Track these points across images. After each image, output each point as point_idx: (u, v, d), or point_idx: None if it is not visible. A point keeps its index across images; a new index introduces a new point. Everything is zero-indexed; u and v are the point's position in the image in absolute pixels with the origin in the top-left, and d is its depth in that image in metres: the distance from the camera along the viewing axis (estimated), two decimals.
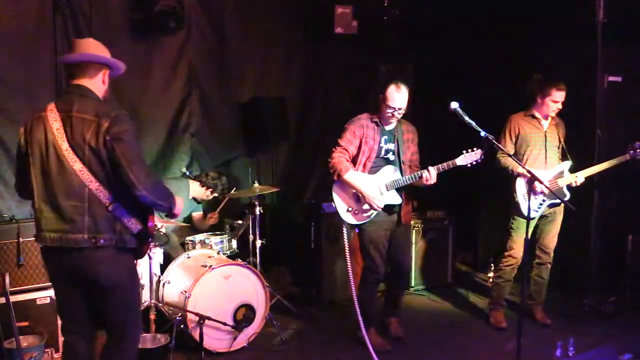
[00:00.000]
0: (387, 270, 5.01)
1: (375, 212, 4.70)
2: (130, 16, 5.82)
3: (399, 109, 4.62)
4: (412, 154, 4.89)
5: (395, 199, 4.75)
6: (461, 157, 4.51)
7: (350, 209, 4.78)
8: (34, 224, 3.32)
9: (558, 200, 4.92)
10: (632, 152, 4.90)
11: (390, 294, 5.25)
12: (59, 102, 3.28)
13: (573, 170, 5.05)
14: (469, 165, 4.54)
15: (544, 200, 5.05)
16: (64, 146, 3.15)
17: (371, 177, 4.73)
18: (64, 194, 3.18)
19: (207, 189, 5.75)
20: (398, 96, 4.59)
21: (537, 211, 5.06)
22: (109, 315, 3.36)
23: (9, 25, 5.31)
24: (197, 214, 5.93)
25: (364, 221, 4.76)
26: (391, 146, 4.79)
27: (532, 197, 4.87)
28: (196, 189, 5.73)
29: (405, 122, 4.88)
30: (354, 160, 4.76)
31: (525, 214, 4.77)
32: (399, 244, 4.95)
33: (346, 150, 4.74)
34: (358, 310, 4.75)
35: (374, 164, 4.75)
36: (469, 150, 4.50)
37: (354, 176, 4.69)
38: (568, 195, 5.02)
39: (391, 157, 4.81)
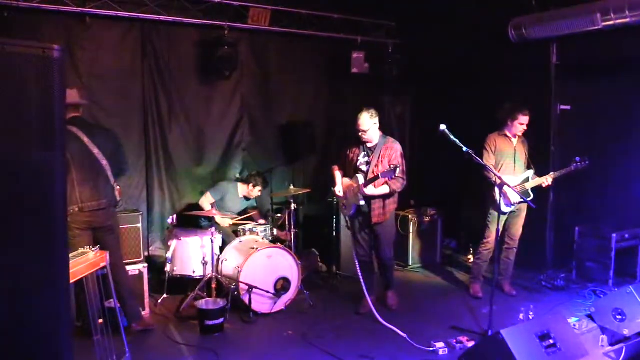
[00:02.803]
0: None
1: (351, 210, 4.74)
2: (198, 60, 5.93)
3: (362, 130, 4.61)
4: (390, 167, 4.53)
5: (360, 201, 4.63)
6: (384, 172, 4.41)
7: (342, 205, 4.90)
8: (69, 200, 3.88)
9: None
10: (574, 165, 4.87)
11: (380, 277, 5.08)
12: (79, 127, 3.98)
13: (538, 175, 5.04)
14: (389, 178, 4.44)
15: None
16: (95, 150, 4.00)
17: (347, 179, 4.81)
18: (97, 178, 4.03)
19: (246, 184, 5.64)
20: (358, 121, 4.61)
21: (511, 206, 5.05)
22: (110, 245, 4.06)
23: (110, 67, 5.46)
24: (254, 211, 5.91)
25: (348, 215, 4.84)
26: (367, 159, 4.69)
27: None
28: (242, 188, 5.69)
29: (389, 141, 4.70)
30: (346, 168, 4.86)
31: (503, 210, 4.90)
32: (378, 239, 4.80)
33: (339, 159, 4.98)
34: (360, 276, 4.82)
35: (355, 172, 4.73)
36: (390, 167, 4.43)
37: (337, 173, 4.91)
38: (532, 196, 5.00)
39: (364, 168, 4.68)
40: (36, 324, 1.96)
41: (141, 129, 5.77)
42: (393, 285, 5.10)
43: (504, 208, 4.95)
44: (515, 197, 4.92)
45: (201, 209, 5.40)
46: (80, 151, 3.96)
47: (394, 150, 4.65)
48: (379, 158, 4.64)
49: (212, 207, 5.29)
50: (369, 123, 4.59)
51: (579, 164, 4.88)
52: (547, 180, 4.98)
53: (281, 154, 6.63)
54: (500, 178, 4.40)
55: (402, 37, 7.01)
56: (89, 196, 4.00)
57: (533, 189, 5.00)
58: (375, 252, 4.93)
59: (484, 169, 4.73)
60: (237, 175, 6.10)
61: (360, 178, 4.65)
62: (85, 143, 3.98)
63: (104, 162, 4.07)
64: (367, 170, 4.65)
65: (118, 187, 4.30)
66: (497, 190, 4.96)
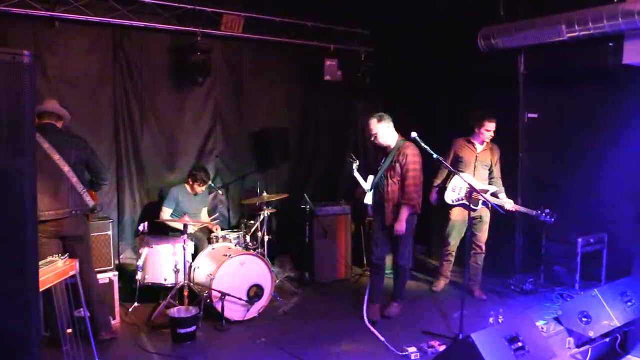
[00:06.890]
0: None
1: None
2: (171, 66, 5.88)
3: (370, 134, 4.71)
4: (403, 172, 4.50)
5: (369, 199, 4.90)
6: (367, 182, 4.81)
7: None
8: None
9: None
10: (539, 211, 4.90)
11: (393, 282, 4.96)
12: (41, 133, 3.80)
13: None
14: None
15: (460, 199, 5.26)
16: (56, 157, 3.85)
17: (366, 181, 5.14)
18: (58, 186, 3.90)
19: (187, 182, 5.58)
20: (367, 126, 4.73)
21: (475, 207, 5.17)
22: (79, 254, 3.91)
23: (80, 72, 5.38)
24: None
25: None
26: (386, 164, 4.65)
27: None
28: (188, 187, 5.58)
29: (405, 147, 4.56)
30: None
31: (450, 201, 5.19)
32: (393, 242, 4.71)
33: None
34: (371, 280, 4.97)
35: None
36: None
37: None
38: (480, 206, 5.16)
39: (380, 172, 4.67)
40: (3, 334, 1.92)
41: (112, 135, 5.68)
42: (401, 296, 4.93)
43: (450, 199, 5.22)
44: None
45: (164, 224, 5.36)
46: (37, 157, 3.83)
47: (404, 156, 4.51)
48: (390, 163, 4.58)
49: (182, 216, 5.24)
50: (375, 127, 4.62)
51: (544, 215, 4.90)
52: (506, 205, 5.04)
53: (254, 160, 6.61)
54: (471, 185, 4.47)
55: (375, 45, 7.09)
56: (48, 205, 3.85)
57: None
58: (393, 256, 4.90)
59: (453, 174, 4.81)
60: (210, 182, 6.04)
61: (370, 179, 4.90)
62: (44, 149, 3.82)
63: (66, 168, 3.91)
64: (379, 175, 4.67)
65: (92, 192, 4.22)
66: (449, 187, 5.21)
